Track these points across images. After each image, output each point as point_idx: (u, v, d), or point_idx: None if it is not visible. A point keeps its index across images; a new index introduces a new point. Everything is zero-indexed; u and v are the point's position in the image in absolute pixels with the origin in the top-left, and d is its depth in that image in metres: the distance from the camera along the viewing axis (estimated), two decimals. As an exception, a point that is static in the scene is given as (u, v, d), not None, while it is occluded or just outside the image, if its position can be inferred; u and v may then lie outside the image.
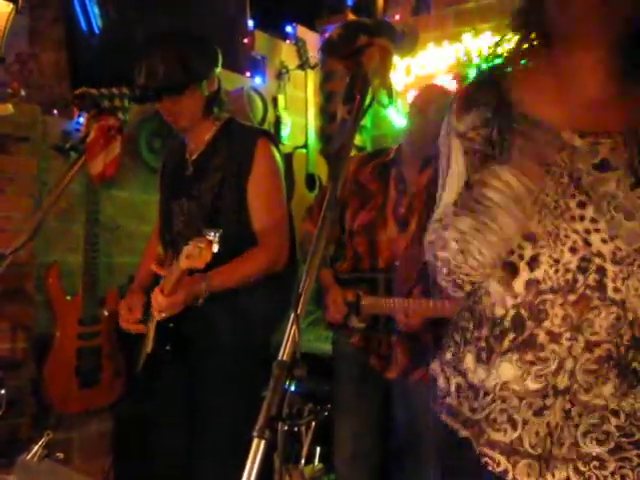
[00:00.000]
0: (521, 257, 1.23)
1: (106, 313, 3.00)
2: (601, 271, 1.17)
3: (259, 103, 4.08)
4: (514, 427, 1.27)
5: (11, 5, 2.80)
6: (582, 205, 1.19)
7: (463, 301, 1.38)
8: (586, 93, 1.24)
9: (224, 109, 2.37)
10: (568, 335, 1.20)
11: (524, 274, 1.22)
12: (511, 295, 1.25)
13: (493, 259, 1.21)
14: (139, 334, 2.29)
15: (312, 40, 4.29)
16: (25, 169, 2.87)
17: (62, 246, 3.12)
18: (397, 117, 4.19)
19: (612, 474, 1.21)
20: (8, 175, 2.81)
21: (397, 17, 4.28)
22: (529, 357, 1.25)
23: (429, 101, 2.50)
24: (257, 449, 1.06)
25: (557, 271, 1.20)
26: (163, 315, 2.09)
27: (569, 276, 1.19)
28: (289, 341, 1.16)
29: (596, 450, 1.22)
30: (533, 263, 1.22)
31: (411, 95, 3.92)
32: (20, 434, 2.75)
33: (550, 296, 1.21)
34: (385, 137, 4.37)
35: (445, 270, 1.25)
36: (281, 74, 4.27)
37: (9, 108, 2.68)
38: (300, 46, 4.18)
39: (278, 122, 4.18)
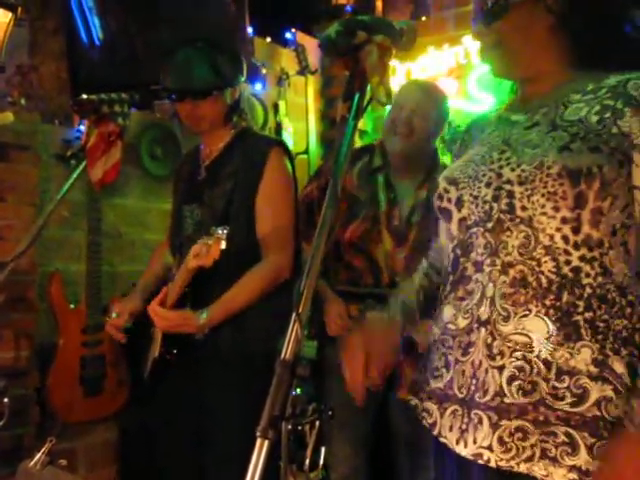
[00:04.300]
0: (449, 200, 1.34)
1: (109, 321, 2.99)
2: (510, 195, 1.26)
3: (259, 110, 4.09)
4: (448, 369, 1.31)
5: (10, 14, 2.81)
6: (502, 152, 1.32)
7: None
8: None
9: (244, 118, 2.39)
10: (488, 261, 1.27)
11: (455, 215, 1.34)
12: (451, 239, 1.36)
13: None
14: (144, 341, 2.29)
15: (312, 46, 4.29)
16: (26, 178, 2.87)
17: (64, 254, 3.12)
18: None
19: (532, 446, 1.17)
20: (9, 184, 2.81)
21: (396, 21, 4.27)
22: (460, 293, 1.31)
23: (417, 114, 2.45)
24: (260, 449, 1.05)
25: (477, 205, 1.30)
26: (160, 326, 2.09)
27: (487, 207, 1.28)
28: (291, 340, 1.15)
29: (521, 400, 1.19)
30: (459, 204, 1.33)
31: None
32: (24, 443, 2.73)
33: (474, 229, 1.30)
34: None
35: None
36: (281, 80, 4.27)
37: (9, 117, 2.68)
38: (300, 52, 4.18)
39: (279, 128, 4.18)
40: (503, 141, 1.35)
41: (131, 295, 2.40)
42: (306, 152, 4.26)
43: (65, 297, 2.93)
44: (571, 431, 1.15)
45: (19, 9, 2.85)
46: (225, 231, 1.88)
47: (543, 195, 1.21)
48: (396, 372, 2.44)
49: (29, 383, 2.81)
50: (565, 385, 1.17)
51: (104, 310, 3.00)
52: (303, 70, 4.19)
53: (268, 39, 4.35)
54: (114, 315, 2.29)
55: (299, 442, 1.13)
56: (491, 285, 1.25)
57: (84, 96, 2.24)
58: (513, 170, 1.26)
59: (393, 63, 4.03)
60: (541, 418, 1.17)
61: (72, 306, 2.94)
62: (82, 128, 2.96)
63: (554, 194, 1.20)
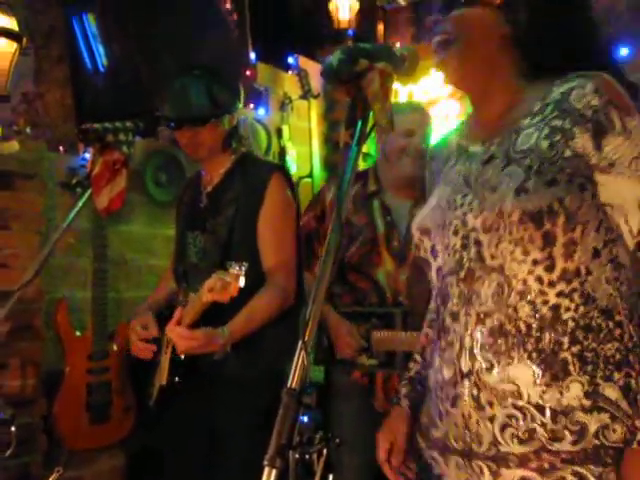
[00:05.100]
0: (425, 250, 1.34)
1: (115, 348, 2.99)
2: (478, 243, 1.23)
3: (263, 134, 4.11)
4: (441, 420, 1.30)
5: (15, 45, 2.83)
6: (464, 196, 1.29)
7: None
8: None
9: (244, 144, 2.40)
10: (463, 311, 1.25)
11: (432, 264, 1.33)
12: (433, 288, 1.36)
13: None
14: (149, 366, 2.28)
15: (314, 70, 4.33)
16: (31, 206, 2.87)
17: (70, 282, 3.13)
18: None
19: None
20: (14, 212, 2.82)
21: (397, 45, 4.31)
22: (442, 344, 1.29)
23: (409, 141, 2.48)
24: (268, 478, 1.04)
25: (449, 255, 1.28)
26: (184, 348, 2.04)
27: (457, 256, 1.26)
28: (297, 369, 1.15)
29: (518, 449, 1.16)
30: (433, 253, 1.32)
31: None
32: (31, 472, 2.72)
33: (449, 279, 1.28)
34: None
35: None
36: (284, 105, 4.30)
37: (15, 145, 2.70)
38: (302, 76, 4.21)
39: (283, 153, 4.20)
40: (464, 179, 1.32)
41: (143, 310, 2.33)
42: (310, 176, 4.28)
43: (71, 324, 2.94)
44: (577, 469, 1.13)
45: (24, 40, 2.88)
46: (243, 268, 1.86)
47: (510, 242, 1.19)
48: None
49: (36, 411, 2.80)
50: (562, 424, 1.15)
51: (110, 337, 3.01)
52: (306, 94, 4.23)
53: (271, 64, 4.39)
54: (139, 328, 2.24)
55: (307, 470, 1.12)
56: (468, 336, 1.23)
57: (89, 125, 2.26)
58: (476, 217, 1.23)
59: (395, 86, 4.06)
60: (546, 466, 1.15)
61: (78, 333, 2.94)
62: (87, 156, 2.98)
63: (521, 239, 1.18)
